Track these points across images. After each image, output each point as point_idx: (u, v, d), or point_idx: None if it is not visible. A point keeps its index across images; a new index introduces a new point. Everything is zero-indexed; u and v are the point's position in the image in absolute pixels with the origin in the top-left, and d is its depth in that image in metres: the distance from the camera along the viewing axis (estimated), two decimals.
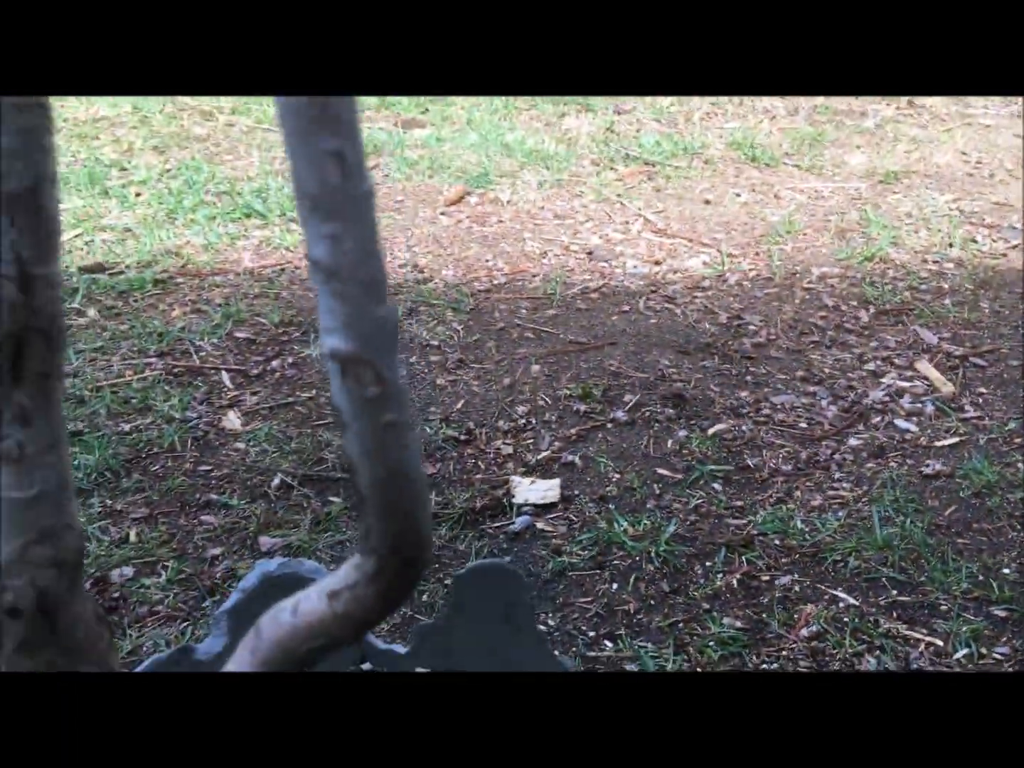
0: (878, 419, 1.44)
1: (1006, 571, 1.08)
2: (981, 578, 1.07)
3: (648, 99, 3.30)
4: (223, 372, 1.49)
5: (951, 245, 2.04)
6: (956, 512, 1.20)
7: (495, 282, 1.89)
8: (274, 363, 1.52)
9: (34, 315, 0.43)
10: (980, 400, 1.49)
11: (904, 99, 3.23)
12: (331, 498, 1.22)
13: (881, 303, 1.81)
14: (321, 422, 1.38)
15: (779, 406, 1.48)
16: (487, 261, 1.98)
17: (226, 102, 2.97)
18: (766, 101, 3.31)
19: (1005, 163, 2.65)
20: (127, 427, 1.34)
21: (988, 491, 1.23)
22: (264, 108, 2.96)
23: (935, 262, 1.97)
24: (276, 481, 1.24)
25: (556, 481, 1.26)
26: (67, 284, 1.76)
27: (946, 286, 1.87)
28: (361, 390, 0.37)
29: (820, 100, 3.30)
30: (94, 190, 2.26)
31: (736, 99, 3.33)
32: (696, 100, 3.28)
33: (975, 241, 2.09)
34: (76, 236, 2.03)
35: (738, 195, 2.40)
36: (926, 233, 2.13)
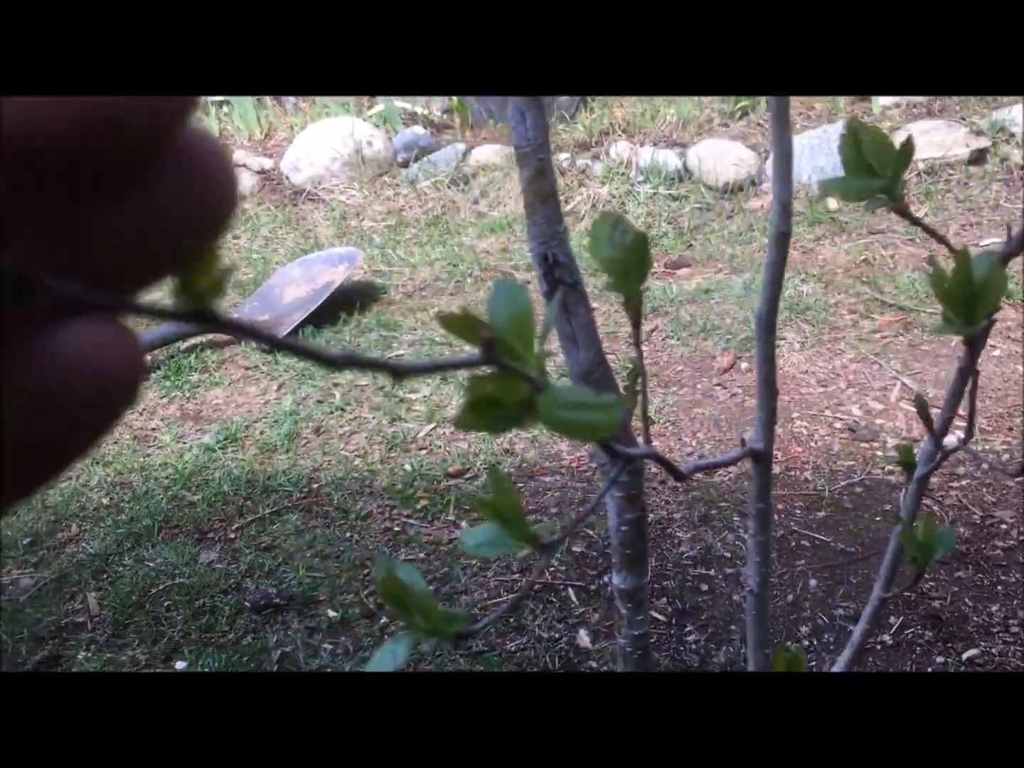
0: None
1: None
2: None
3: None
4: (570, 589, 1.99)
5: None
6: None
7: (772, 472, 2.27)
8: (606, 577, 2.00)
9: None
10: None
11: None
12: None
13: None
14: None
15: None
16: None
17: (523, 262, 3.51)
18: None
19: None
20: (511, 647, 1.86)
21: None
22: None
23: None
24: None
25: None
26: (437, 489, 2.34)
27: None
28: None
29: None
30: (436, 376, 2.85)
31: (991, 200, 3.46)
32: (952, 208, 3.44)
33: None
34: (432, 428, 2.62)
35: (993, 348, 2.61)
36: None
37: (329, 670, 1.81)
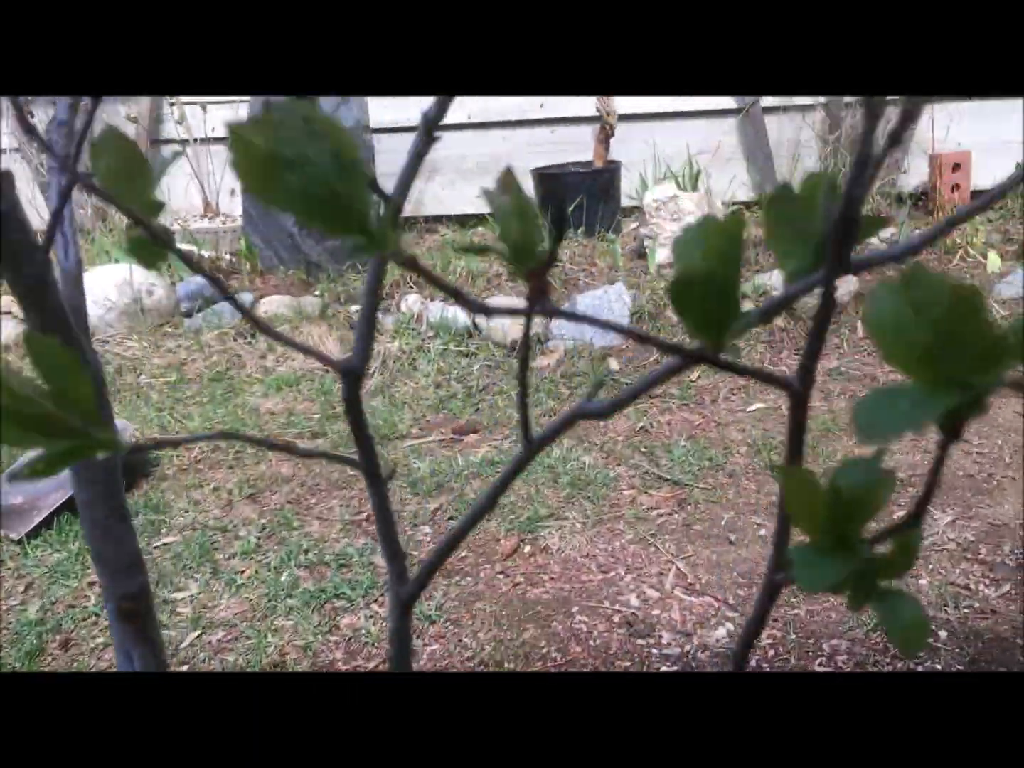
0: None
1: None
2: None
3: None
4: None
5: (945, 605, 2.33)
6: None
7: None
8: None
9: None
10: None
11: None
12: None
13: None
14: None
15: None
16: (542, 647, 2.33)
17: (308, 428, 3.40)
18: (786, 362, 3.62)
19: (1004, 455, 2.92)
20: None
21: None
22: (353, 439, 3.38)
23: (931, 638, 2.26)
24: None
25: None
26: None
27: (939, 666, 2.16)
28: None
29: (833, 363, 3.61)
30: (207, 569, 2.66)
31: (756, 362, 3.65)
32: (720, 375, 3.61)
33: (968, 589, 2.37)
34: (198, 637, 2.43)
35: (759, 526, 2.72)
36: (927, 581, 2.42)
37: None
